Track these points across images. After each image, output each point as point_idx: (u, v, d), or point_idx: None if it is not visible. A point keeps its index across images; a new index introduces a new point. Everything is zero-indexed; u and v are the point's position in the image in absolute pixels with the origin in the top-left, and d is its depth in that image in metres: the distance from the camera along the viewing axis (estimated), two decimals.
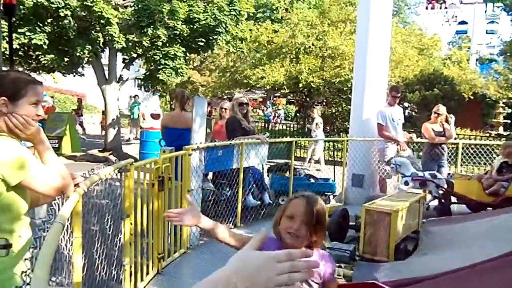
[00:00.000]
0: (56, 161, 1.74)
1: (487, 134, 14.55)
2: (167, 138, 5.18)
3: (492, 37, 28.79)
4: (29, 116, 1.67)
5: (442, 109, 6.46)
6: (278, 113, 23.30)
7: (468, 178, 5.89)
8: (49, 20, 9.63)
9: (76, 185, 1.88)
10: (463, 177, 6.01)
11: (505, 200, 5.30)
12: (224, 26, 10.64)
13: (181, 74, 11.24)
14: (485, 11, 28.05)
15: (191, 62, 20.92)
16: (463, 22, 30.69)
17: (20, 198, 1.62)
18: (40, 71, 11.35)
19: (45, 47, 9.58)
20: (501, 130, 15.90)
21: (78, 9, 9.49)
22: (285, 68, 15.46)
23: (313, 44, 15.06)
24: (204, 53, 14.50)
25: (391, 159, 5.79)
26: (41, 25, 9.49)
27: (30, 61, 10.84)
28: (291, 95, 19.97)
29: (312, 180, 6.33)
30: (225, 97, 20.58)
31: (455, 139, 7.12)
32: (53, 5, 9.10)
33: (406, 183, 5.53)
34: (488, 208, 5.28)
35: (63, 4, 9.16)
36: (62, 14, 9.22)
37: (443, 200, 5.55)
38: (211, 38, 10.83)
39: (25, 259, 1.59)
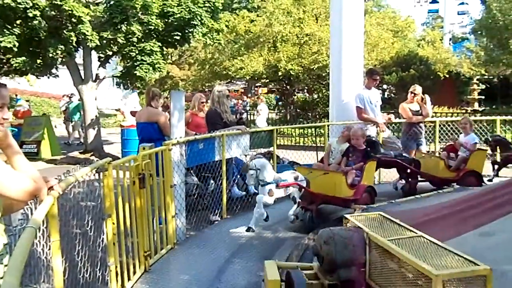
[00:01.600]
0: (27, 164, 1.70)
1: (463, 111, 14.89)
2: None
3: (464, 17, 29.35)
4: None
5: (418, 89, 6.60)
6: (243, 103, 22.92)
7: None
8: (17, 22, 9.33)
9: (50, 188, 1.85)
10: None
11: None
12: (199, 19, 10.50)
13: (159, 69, 11.08)
14: None
15: (169, 57, 20.64)
16: (434, 1, 31.16)
17: None
18: (13, 75, 11.04)
19: (15, 49, 9.30)
20: (476, 106, 16.31)
21: (47, 8, 9.21)
22: (264, 57, 15.41)
23: (290, 32, 15.03)
24: (181, 47, 14.33)
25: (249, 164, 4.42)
26: (9, 27, 9.18)
27: (1, 65, 10.53)
28: (272, 84, 19.96)
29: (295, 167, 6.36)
30: (206, 90, 20.43)
31: (432, 117, 7.28)
32: (20, 6, 8.81)
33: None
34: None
35: (31, 4, 8.86)
36: (30, 15, 8.94)
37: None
38: (186, 31, 10.69)
39: (5, 266, 1.56)
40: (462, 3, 29.20)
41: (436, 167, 5.76)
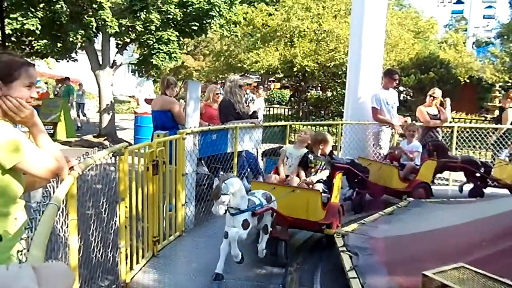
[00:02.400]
0: (51, 144, 1.76)
1: (483, 118, 14.60)
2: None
3: (490, 21, 28.65)
4: (23, 98, 1.68)
5: (437, 92, 6.46)
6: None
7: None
8: (41, 5, 9.47)
9: (71, 168, 1.91)
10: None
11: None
12: (218, 10, 10.51)
13: (174, 58, 11.16)
14: None
15: (185, 47, 20.71)
16: (459, 2, 30.30)
17: (15, 181, 1.64)
18: (33, 57, 11.22)
19: (38, 32, 9.46)
20: (496, 114, 15.89)
21: None
22: (280, 52, 15.33)
23: (307, 28, 14.92)
24: (197, 38, 14.35)
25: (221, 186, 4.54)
26: (33, 10, 9.34)
27: (23, 47, 10.72)
28: (286, 79, 19.89)
29: None
30: (219, 82, 20.46)
31: (450, 122, 7.16)
32: None
33: None
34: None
35: None
36: None
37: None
38: (204, 22, 10.73)
39: (20, 239, 1.62)
40: (490, 7, 28.38)
41: (389, 176, 5.22)
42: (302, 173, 4.21)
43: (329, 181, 4.15)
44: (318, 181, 4.08)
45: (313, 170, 4.21)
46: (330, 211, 3.85)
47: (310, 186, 4.01)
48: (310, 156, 4.23)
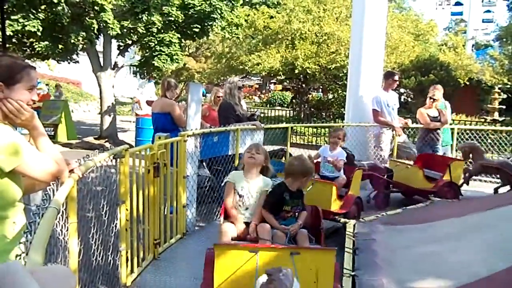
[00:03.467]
0: (51, 146, 1.75)
1: (482, 120, 14.60)
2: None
3: (489, 25, 28.71)
4: (24, 101, 1.68)
5: (437, 94, 6.43)
6: None
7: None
8: (42, 7, 9.49)
9: (71, 170, 1.89)
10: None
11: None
12: (219, 12, 10.53)
13: (176, 60, 11.17)
14: (482, 1, 27.86)
15: (187, 49, 20.73)
16: (458, 3, 30.27)
17: (14, 185, 1.63)
18: (34, 58, 11.24)
19: (39, 34, 9.48)
20: (496, 115, 15.93)
21: None
22: (281, 54, 15.34)
23: (309, 30, 14.93)
24: (199, 40, 14.37)
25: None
26: (34, 11, 9.35)
27: (24, 48, 10.73)
28: (287, 81, 19.89)
29: None
30: (221, 83, 20.46)
31: (451, 124, 7.16)
32: None
33: None
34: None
35: None
36: (55, 1, 9.08)
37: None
38: (206, 24, 10.73)
39: (20, 243, 1.61)
40: (488, 11, 28.45)
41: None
42: (270, 217, 2.95)
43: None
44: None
45: (288, 214, 3.01)
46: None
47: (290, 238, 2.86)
48: (286, 195, 2.99)
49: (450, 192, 5.27)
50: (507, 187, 5.81)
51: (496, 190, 5.96)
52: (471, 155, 5.91)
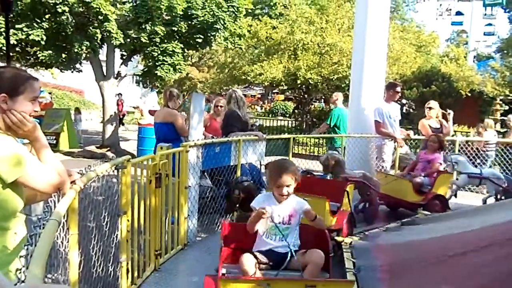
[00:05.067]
0: (53, 157, 1.74)
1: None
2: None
3: (490, 37, 28.82)
4: (27, 112, 1.68)
5: (432, 103, 6.48)
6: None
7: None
8: (47, 16, 9.59)
9: (73, 182, 1.89)
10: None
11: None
12: (222, 23, 10.61)
13: (179, 70, 11.24)
14: (484, 14, 27.98)
15: (189, 59, 20.87)
16: (459, 13, 30.29)
17: (16, 196, 1.62)
18: (38, 67, 11.33)
19: (43, 43, 9.56)
20: (498, 127, 15.92)
21: (76, 5, 9.46)
22: (283, 64, 15.43)
23: (311, 41, 15.03)
24: (202, 50, 14.47)
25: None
26: (38, 21, 9.46)
27: (28, 57, 10.81)
28: (289, 91, 19.97)
29: (309, 175, 6.32)
30: (223, 93, 20.54)
31: (452, 136, 7.15)
32: (50, 1, 9.07)
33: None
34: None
35: (61, 0, 9.12)
36: (60, 10, 9.19)
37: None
38: (209, 34, 10.81)
39: (20, 257, 1.60)
40: (489, 24, 28.57)
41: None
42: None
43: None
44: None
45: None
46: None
47: None
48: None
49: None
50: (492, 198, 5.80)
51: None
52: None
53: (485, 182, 5.58)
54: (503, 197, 5.52)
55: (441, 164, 5.52)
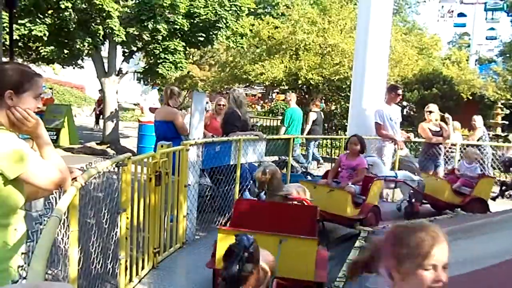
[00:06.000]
0: (55, 154, 1.75)
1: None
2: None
3: (492, 41, 28.78)
4: (31, 109, 1.69)
5: (432, 107, 6.51)
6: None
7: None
8: (49, 12, 9.59)
9: (74, 178, 1.89)
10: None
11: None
12: (225, 22, 10.61)
13: (180, 68, 11.23)
14: (486, 18, 27.95)
15: (191, 57, 20.84)
16: (462, 15, 30.13)
17: (17, 192, 1.63)
18: (40, 63, 11.33)
19: (45, 38, 9.55)
20: (499, 131, 15.91)
21: (78, 1, 9.45)
22: (285, 64, 15.42)
23: (313, 41, 15.03)
24: (204, 48, 14.46)
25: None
26: (41, 16, 9.45)
27: (30, 53, 10.81)
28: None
29: (309, 178, 6.35)
30: (224, 92, 20.52)
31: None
32: None
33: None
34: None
35: None
36: (62, 6, 9.18)
37: (413, 201, 5.41)
38: (211, 33, 10.81)
39: (22, 253, 1.61)
40: (492, 29, 28.49)
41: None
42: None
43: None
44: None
45: None
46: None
47: None
48: None
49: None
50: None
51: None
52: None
53: (400, 185, 5.52)
54: (414, 199, 5.56)
55: (367, 168, 4.90)
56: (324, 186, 4.72)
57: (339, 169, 4.88)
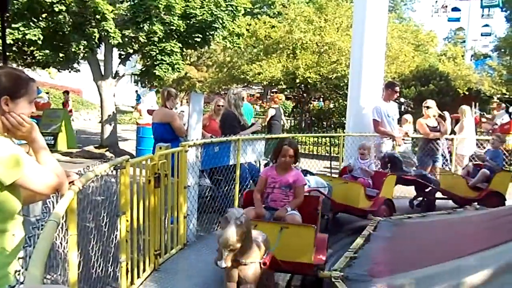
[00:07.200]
0: (51, 159, 1.73)
1: (482, 129, 14.62)
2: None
3: (487, 37, 28.87)
4: (26, 114, 1.67)
5: (430, 102, 6.56)
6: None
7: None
8: (43, 15, 9.53)
9: (71, 182, 1.87)
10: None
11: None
12: (221, 22, 10.58)
13: (177, 69, 11.19)
14: (482, 15, 27.99)
15: (188, 58, 20.81)
16: (456, 9, 30.14)
17: (13, 197, 1.61)
18: (35, 67, 11.27)
19: (40, 42, 9.49)
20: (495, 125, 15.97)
21: (73, 4, 9.40)
22: (282, 63, 15.42)
23: (310, 40, 15.03)
24: (201, 49, 14.43)
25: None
26: (35, 20, 9.39)
27: (25, 57, 10.74)
28: (288, 90, 19.95)
29: (309, 175, 6.32)
30: (222, 92, 20.50)
31: (450, 134, 7.19)
32: (47, 0, 9.01)
33: None
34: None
35: None
36: (57, 9, 9.13)
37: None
38: (208, 33, 10.78)
39: (19, 258, 1.59)
40: (487, 25, 28.57)
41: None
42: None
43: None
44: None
45: None
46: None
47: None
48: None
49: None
50: None
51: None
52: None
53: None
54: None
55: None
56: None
57: (269, 188, 3.61)
